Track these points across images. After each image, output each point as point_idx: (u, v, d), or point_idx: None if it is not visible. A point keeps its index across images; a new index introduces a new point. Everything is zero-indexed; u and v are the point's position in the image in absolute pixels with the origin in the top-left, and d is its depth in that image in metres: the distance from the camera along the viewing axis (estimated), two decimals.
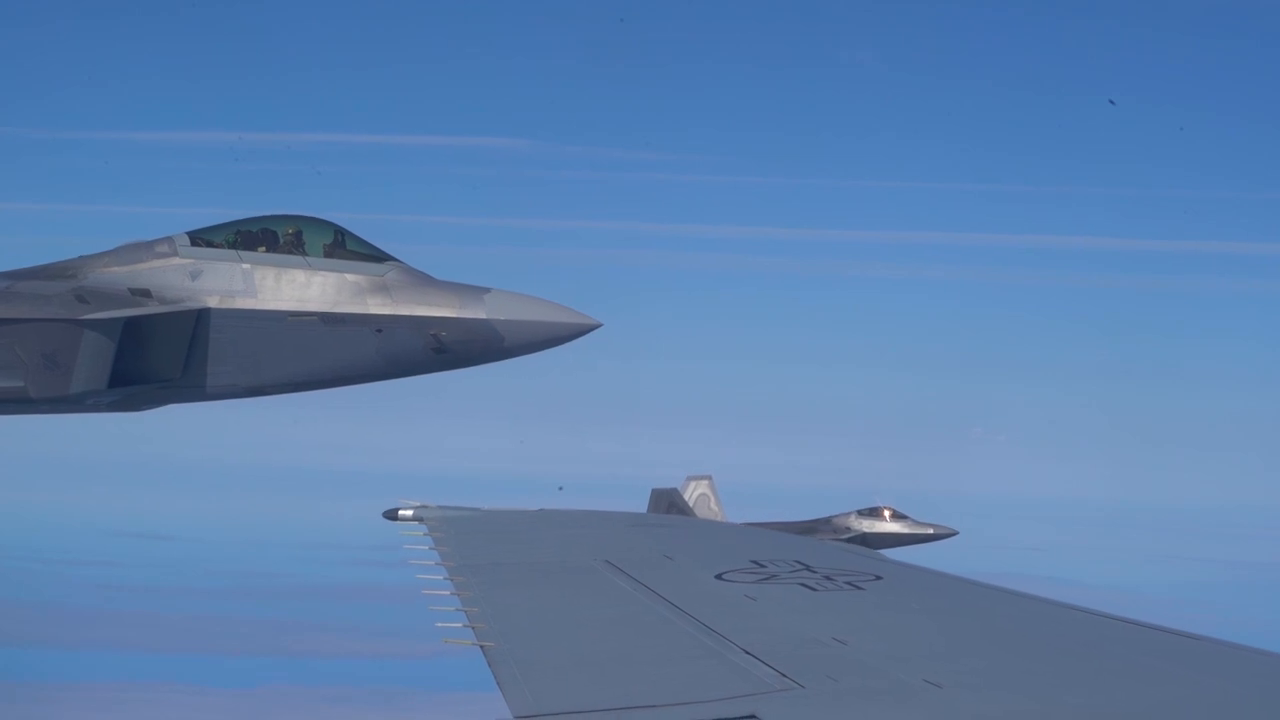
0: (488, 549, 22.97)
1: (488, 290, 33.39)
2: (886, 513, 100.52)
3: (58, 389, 32.36)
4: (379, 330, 33.13)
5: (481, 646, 17.04)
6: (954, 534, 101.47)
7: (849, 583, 19.61)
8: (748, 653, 15.99)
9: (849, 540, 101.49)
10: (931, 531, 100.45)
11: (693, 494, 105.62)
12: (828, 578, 19.80)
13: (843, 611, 18.49)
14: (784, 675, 15.11)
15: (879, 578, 20.16)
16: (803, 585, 19.48)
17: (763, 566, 20.51)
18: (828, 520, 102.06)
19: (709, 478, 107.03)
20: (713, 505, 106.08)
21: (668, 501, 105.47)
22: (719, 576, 20.09)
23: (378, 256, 33.59)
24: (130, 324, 32.66)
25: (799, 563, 20.72)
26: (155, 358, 33.04)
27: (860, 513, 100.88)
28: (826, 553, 22.69)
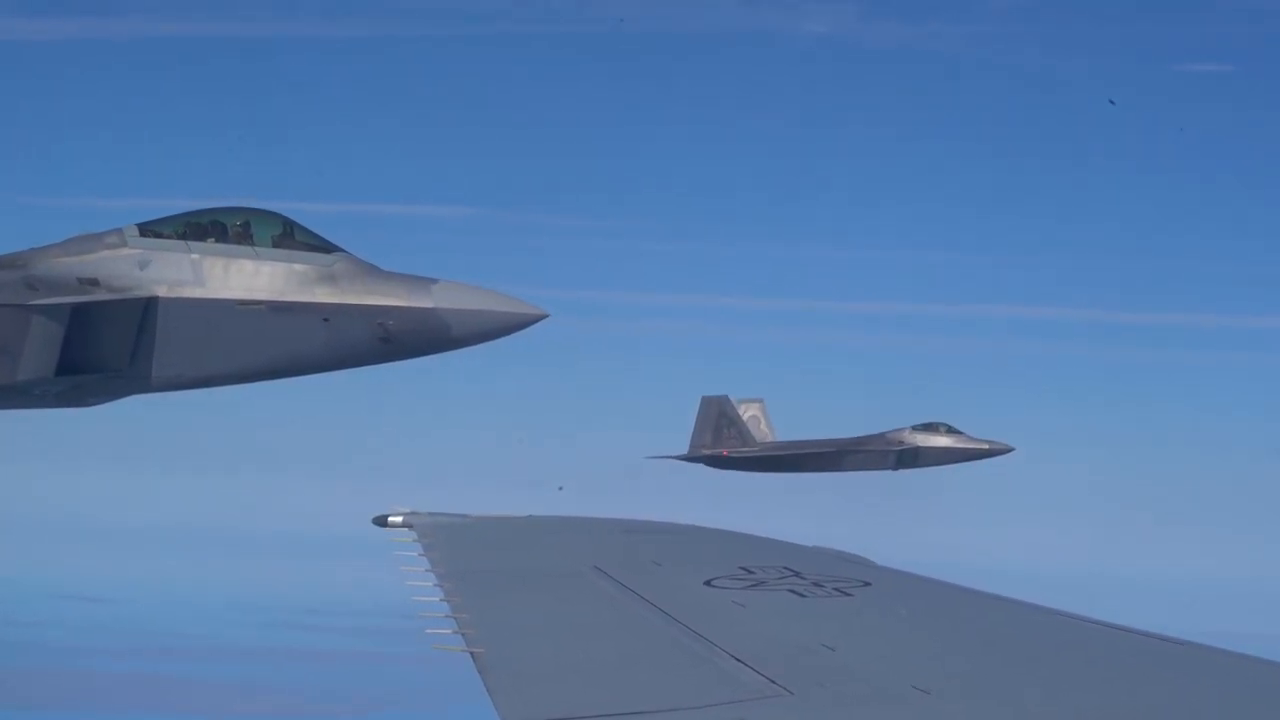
0: (477, 555, 23.00)
1: (435, 281, 33.55)
2: (942, 428, 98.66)
3: (4, 376, 32.42)
4: (326, 319, 33.25)
5: (471, 653, 17.08)
6: (1010, 450, 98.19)
7: (837, 589, 19.66)
8: (737, 659, 16.03)
9: (903, 453, 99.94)
10: (987, 447, 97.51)
11: (744, 415, 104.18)
12: (816, 584, 19.85)
13: (831, 618, 18.54)
14: (773, 681, 15.15)
15: (867, 584, 20.21)
16: (791, 592, 19.53)
17: (751, 573, 20.55)
18: (881, 435, 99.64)
19: (761, 401, 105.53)
20: (763, 427, 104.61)
21: (718, 410, 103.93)
22: (708, 583, 20.13)
23: (325, 247, 33.74)
24: (79, 313, 32.72)
25: (787, 569, 20.76)
26: (103, 347, 33.09)
27: (915, 428, 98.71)
28: (815, 559, 22.74)
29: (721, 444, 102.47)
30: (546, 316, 33.64)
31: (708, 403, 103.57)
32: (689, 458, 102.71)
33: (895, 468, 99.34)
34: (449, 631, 18.12)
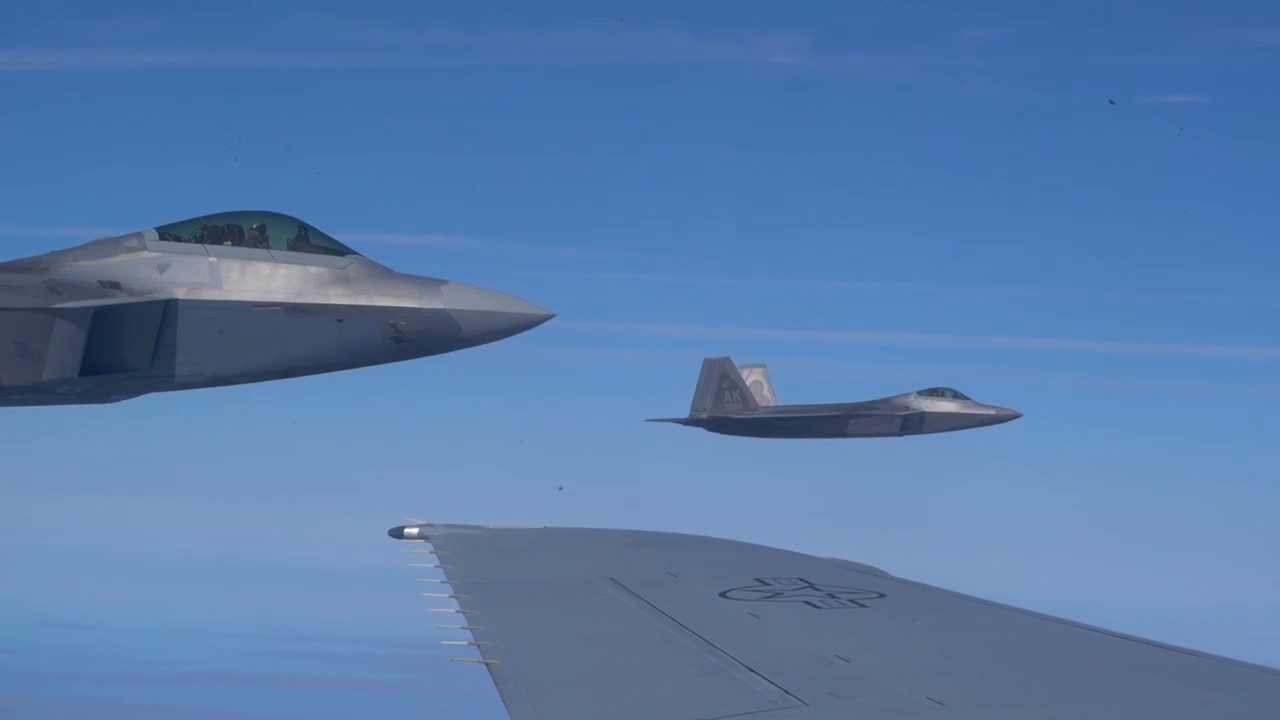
0: (493, 567, 23.07)
1: (445, 282, 34.53)
2: (948, 393, 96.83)
3: (30, 376, 33.27)
4: (340, 320, 34.18)
5: (487, 664, 17.14)
6: (1017, 416, 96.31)
7: (852, 600, 19.70)
8: (752, 670, 16.07)
9: (908, 418, 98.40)
10: (993, 413, 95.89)
11: (747, 379, 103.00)
12: (831, 595, 19.89)
13: (846, 629, 18.57)
14: (788, 693, 15.19)
15: (882, 595, 20.25)
16: (806, 603, 19.56)
17: (766, 584, 20.60)
18: (887, 400, 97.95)
19: (763, 366, 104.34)
20: (766, 392, 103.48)
21: (720, 371, 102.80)
22: (723, 594, 20.17)
23: (339, 250, 34.78)
24: (100, 315, 33.63)
25: (802, 580, 20.80)
26: (124, 348, 34.00)
27: (921, 393, 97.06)
28: (830, 571, 22.78)
29: (723, 407, 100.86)
30: (553, 316, 34.59)
31: (710, 364, 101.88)
32: (689, 421, 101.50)
33: (900, 434, 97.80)
34: (465, 643, 18.20)
